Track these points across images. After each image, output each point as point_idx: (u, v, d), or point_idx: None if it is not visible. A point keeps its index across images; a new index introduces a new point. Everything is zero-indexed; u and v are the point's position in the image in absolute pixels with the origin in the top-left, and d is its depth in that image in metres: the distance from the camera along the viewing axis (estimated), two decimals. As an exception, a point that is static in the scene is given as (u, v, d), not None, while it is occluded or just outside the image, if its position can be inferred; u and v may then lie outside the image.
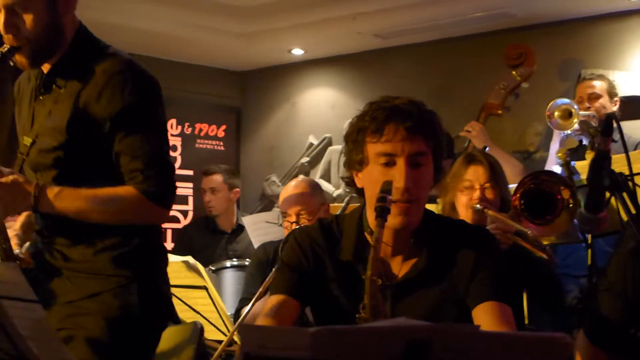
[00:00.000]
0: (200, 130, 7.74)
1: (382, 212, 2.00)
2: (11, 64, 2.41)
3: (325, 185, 7.06)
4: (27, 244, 2.51)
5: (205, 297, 3.39)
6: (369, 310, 1.95)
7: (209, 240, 5.61)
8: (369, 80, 7.03)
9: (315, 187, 4.04)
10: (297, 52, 7.20)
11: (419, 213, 2.12)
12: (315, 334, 1.16)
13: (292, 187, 3.95)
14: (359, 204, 2.29)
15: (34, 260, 2.48)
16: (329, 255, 2.19)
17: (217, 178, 5.67)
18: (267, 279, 3.42)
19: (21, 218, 2.51)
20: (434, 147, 2.13)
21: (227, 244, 5.59)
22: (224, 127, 7.90)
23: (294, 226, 3.81)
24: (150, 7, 6.18)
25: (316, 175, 7.33)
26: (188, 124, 7.58)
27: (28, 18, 2.35)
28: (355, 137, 2.14)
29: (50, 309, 2.32)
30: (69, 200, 2.34)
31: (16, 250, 2.44)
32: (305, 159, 7.48)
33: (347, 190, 6.93)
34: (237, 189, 5.73)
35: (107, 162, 2.39)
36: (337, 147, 7.27)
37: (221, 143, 7.89)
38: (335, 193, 7.17)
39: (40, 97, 2.46)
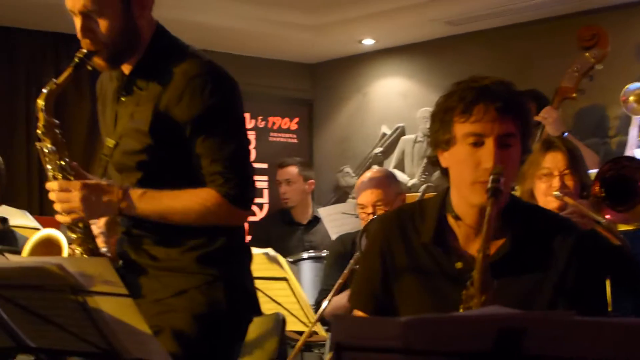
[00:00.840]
0: (274, 123, 7.79)
1: (495, 192, 1.99)
2: (89, 67, 2.42)
3: (400, 175, 7.03)
4: (113, 241, 2.55)
5: (285, 289, 3.41)
6: (478, 286, 1.94)
7: (285, 232, 5.65)
8: (441, 68, 6.97)
9: (391, 177, 4.04)
10: (368, 42, 7.18)
11: (504, 195, 2.10)
12: (407, 324, 1.16)
13: (367, 178, 3.95)
14: (436, 193, 2.28)
15: (120, 258, 2.53)
16: (408, 238, 2.19)
17: (292, 170, 5.72)
18: (345, 270, 3.43)
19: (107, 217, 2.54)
20: (523, 128, 2.11)
21: (302, 235, 5.63)
22: (296, 119, 7.93)
23: (371, 217, 3.81)
24: (221, 3, 6.24)
25: (390, 165, 7.31)
26: (261, 117, 7.64)
27: (103, 22, 2.37)
28: (443, 116, 2.12)
29: (138, 307, 2.36)
30: (152, 203, 2.37)
31: (103, 248, 2.48)
32: (378, 150, 7.46)
33: (422, 179, 6.93)
34: (312, 181, 5.76)
35: (189, 164, 2.41)
36: (411, 137, 7.23)
37: (294, 136, 7.92)
38: (410, 183, 7.14)
39: (122, 99, 2.49)
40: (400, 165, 7.29)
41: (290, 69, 7.87)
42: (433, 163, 2.21)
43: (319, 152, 7.97)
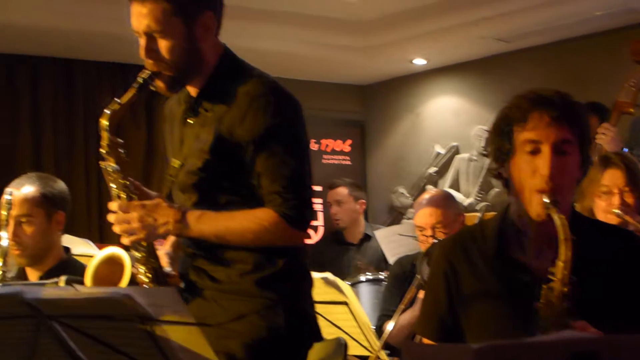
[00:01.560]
0: (327, 145, 7.81)
1: (554, 203, 2.01)
2: (152, 89, 2.45)
3: (455, 195, 6.98)
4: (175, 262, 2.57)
5: (346, 313, 3.40)
6: (560, 276, 1.94)
7: (337, 253, 5.65)
8: (493, 86, 6.93)
9: (449, 199, 4.01)
10: (419, 61, 7.18)
11: (564, 205, 2.08)
12: (479, 351, 1.16)
13: (425, 200, 3.93)
14: (495, 213, 2.27)
15: (182, 279, 2.54)
16: (471, 260, 2.18)
17: (342, 190, 5.72)
18: (407, 294, 3.41)
19: (172, 237, 2.57)
20: (580, 136, 2.10)
21: (354, 255, 5.62)
22: (349, 141, 7.95)
23: (431, 240, 3.79)
24: (272, 28, 6.30)
25: (445, 184, 7.28)
26: (314, 140, 7.66)
27: (167, 44, 2.39)
28: (501, 127, 2.13)
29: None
30: (209, 224, 2.38)
31: (167, 268, 2.50)
32: (432, 169, 7.43)
33: (478, 198, 6.88)
34: (363, 201, 5.75)
35: (248, 183, 2.42)
36: (465, 155, 7.19)
37: (347, 157, 7.94)
38: (466, 202, 7.09)
39: (189, 121, 2.51)
40: (455, 185, 7.25)
41: (342, 91, 7.89)
42: (495, 176, 2.21)
43: (372, 173, 7.96)
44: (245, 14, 5.72)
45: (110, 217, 2.39)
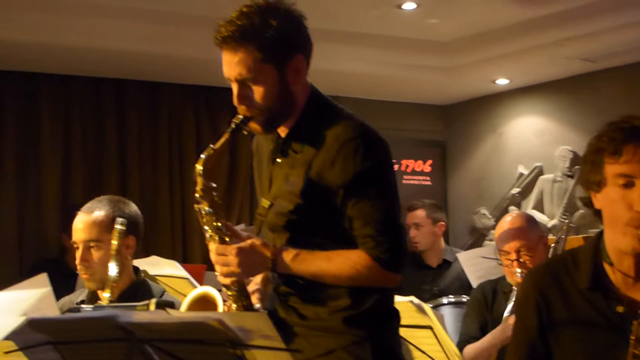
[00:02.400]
0: (407, 166, 7.79)
1: None
2: (245, 132, 2.48)
3: (539, 216, 6.88)
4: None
5: (430, 337, 3.37)
6: None
7: (415, 276, 5.59)
8: (578, 106, 6.83)
9: (531, 221, 3.95)
10: (502, 81, 7.11)
11: None
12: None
13: (507, 223, 3.88)
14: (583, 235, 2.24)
15: (270, 315, 2.56)
16: (564, 289, 2.15)
17: (420, 213, 5.66)
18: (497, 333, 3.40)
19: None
20: None
21: (432, 279, 5.56)
22: (429, 162, 7.91)
23: (515, 264, 3.73)
24: (355, 50, 6.33)
25: (528, 206, 7.17)
26: (394, 161, 7.61)
27: (259, 90, 2.42)
28: (593, 157, 2.11)
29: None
30: (305, 264, 2.41)
31: (257, 305, 2.53)
32: (515, 190, 7.33)
33: (563, 219, 6.76)
34: (442, 223, 5.68)
35: (339, 226, 2.44)
36: (549, 176, 7.07)
37: (428, 178, 7.90)
38: (550, 224, 6.97)
39: (278, 160, 2.53)
40: (539, 206, 7.14)
41: (423, 111, 7.87)
42: (586, 204, 2.18)
43: (453, 193, 7.90)
44: (327, 37, 5.74)
45: (212, 257, 2.44)
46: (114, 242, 2.93)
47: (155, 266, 3.92)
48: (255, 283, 2.53)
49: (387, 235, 2.40)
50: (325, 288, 2.43)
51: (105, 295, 2.90)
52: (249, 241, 2.42)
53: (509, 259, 3.79)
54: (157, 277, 3.92)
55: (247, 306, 2.47)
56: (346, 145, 2.39)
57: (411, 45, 6.49)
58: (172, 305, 2.37)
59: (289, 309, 2.49)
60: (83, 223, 3.20)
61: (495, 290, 3.93)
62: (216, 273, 2.44)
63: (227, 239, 2.45)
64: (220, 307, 2.40)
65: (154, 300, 2.38)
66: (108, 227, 3.16)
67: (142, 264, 4.04)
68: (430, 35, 6.51)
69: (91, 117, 6.48)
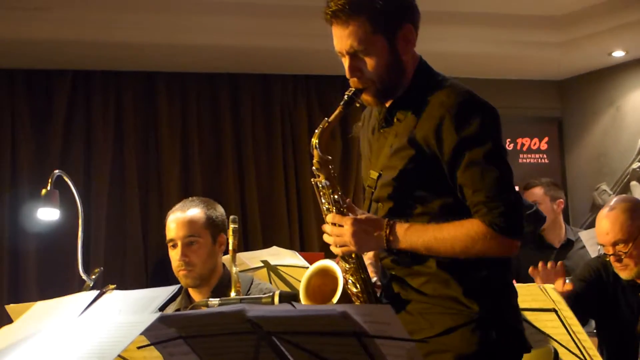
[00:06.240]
0: (522, 144, 7.65)
1: None
2: (357, 104, 2.49)
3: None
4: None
5: (554, 320, 3.31)
6: None
7: (537, 256, 5.47)
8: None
9: (632, 210, 3.64)
10: (618, 54, 6.90)
11: None
12: None
13: (602, 216, 3.60)
14: None
15: (383, 291, 2.56)
16: None
17: (538, 191, 5.53)
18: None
19: None
20: None
21: (556, 259, 5.44)
22: (546, 139, 7.74)
23: (613, 259, 3.59)
24: (465, 30, 6.28)
25: (650, 180, 6.96)
26: (509, 140, 7.52)
27: (370, 61, 2.43)
28: None
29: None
30: (418, 236, 2.38)
31: (374, 278, 2.54)
32: (636, 164, 7.11)
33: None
34: (561, 200, 5.54)
35: (443, 194, 2.42)
36: (674, 148, 6.85)
37: (544, 155, 7.74)
38: (676, 198, 6.74)
39: (382, 130, 2.54)
40: (662, 179, 6.92)
41: (536, 88, 7.70)
42: None
43: (571, 170, 7.72)
44: (436, 18, 5.70)
45: (325, 228, 2.45)
46: (231, 241, 2.99)
47: (277, 256, 4.00)
48: (368, 258, 2.54)
49: (500, 200, 2.35)
50: (439, 262, 2.40)
51: (232, 294, 2.96)
52: (365, 214, 2.44)
53: (607, 253, 3.64)
54: (278, 267, 3.99)
55: (365, 279, 2.47)
56: (451, 110, 2.37)
57: (524, 21, 6.37)
58: (295, 297, 2.42)
59: (405, 285, 2.47)
60: (181, 220, 3.32)
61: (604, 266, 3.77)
62: (328, 242, 2.44)
63: (344, 211, 2.45)
64: (340, 280, 2.41)
65: (277, 292, 2.43)
66: (204, 224, 3.32)
67: (264, 254, 4.13)
68: (543, 10, 6.38)
69: (207, 113, 6.62)
